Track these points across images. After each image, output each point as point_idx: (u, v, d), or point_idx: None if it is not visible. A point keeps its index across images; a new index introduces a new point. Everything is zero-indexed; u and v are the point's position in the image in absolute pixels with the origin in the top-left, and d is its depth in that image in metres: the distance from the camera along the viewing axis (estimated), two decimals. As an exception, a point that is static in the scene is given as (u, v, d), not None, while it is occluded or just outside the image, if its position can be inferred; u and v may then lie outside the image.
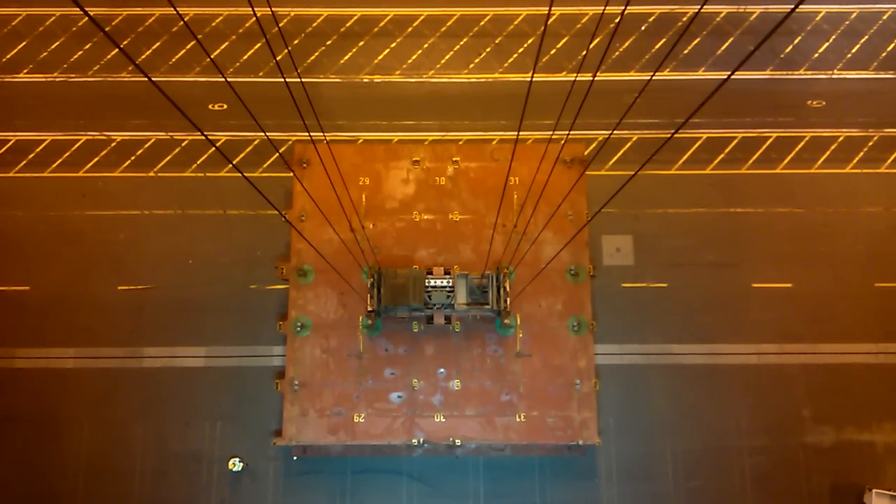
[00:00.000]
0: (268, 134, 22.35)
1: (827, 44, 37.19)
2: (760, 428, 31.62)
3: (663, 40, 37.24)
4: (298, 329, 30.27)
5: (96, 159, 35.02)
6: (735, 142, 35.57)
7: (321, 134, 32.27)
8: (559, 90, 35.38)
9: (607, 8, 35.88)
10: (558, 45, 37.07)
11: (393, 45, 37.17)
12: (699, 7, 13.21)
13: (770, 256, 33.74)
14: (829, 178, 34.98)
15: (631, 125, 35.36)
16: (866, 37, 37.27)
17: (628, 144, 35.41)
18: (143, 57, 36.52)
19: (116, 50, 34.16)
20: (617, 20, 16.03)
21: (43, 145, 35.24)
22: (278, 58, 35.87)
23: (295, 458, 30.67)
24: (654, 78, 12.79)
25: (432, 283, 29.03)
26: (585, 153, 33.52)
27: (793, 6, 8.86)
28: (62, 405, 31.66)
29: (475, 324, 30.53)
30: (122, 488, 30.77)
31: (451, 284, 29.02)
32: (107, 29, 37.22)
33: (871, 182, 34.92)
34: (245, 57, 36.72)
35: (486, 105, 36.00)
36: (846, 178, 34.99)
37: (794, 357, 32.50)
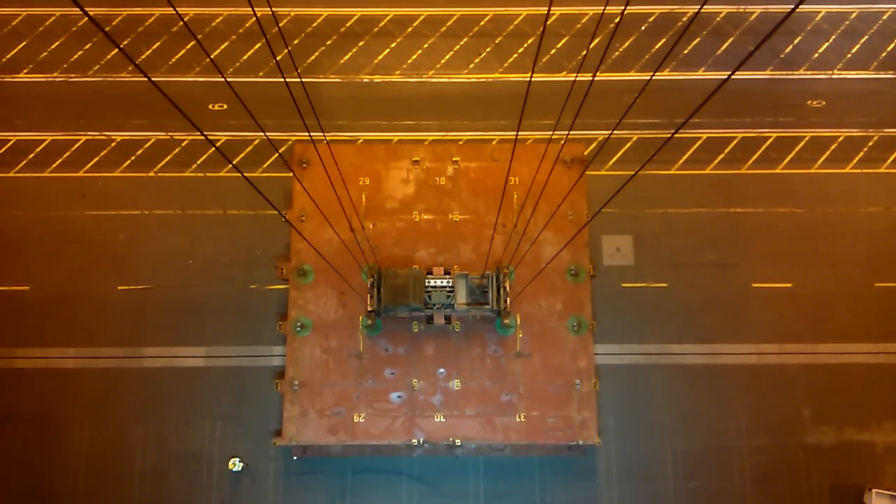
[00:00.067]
0: (268, 134, 22.40)
1: (827, 44, 37.19)
2: (760, 428, 31.61)
3: (663, 40, 37.24)
4: (298, 329, 30.27)
5: (96, 159, 35.01)
6: (735, 142, 35.57)
7: (321, 134, 32.27)
8: (559, 90, 35.38)
9: (607, 8, 35.89)
10: (558, 45, 37.06)
11: (393, 45, 37.17)
12: (699, 7, 13.22)
13: (770, 256, 33.74)
14: (829, 178, 34.98)
15: (631, 125, 35.36)
16: (866, 37, 37.27)
17: (628, 144, 35.41)
18: (143, 57, 36.52)
19: (116, 50, 34.16)
20: (617, 20, 16.03)
21: (43, 145, 35.24)
22: (278, 58, 35.87)
23: (295, 458, 30.67)
24: (654, 78, 12.79)
25: (432, 283, 29.04)
26: (585, 153, 33.52)
27: (793, 6, 8.86)
28: (62, 405, 31.66)
29: (475, 324, 30.53)
30: (122, 488, 30.77)
31: (451, 284, 29.02)
32: (107, 29, 37.22)
33: (871, 182, 34.92)
34: (245, 57, 36.72)
35: (486, 105, 36.00)
36: (846, 178, 34.99)
37: (794, 357, 32.50)
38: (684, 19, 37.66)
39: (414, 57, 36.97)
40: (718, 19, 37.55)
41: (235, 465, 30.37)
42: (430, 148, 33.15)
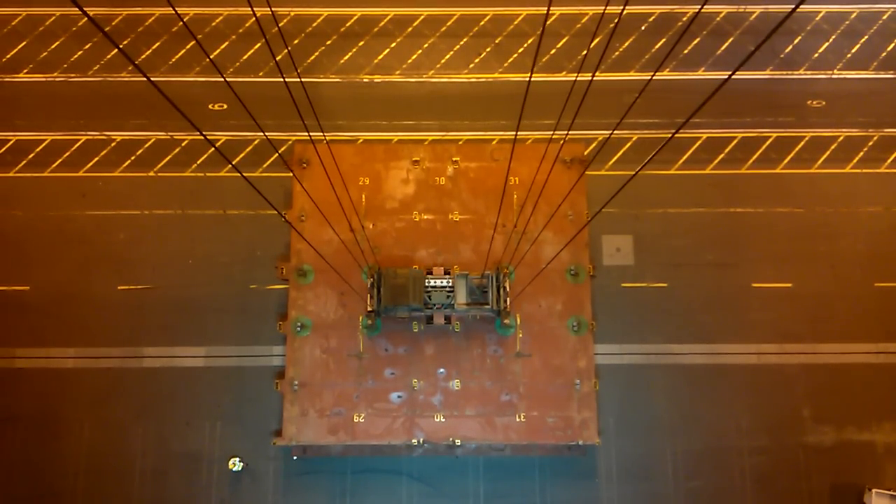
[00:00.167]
0: (267, 134, 22.41)
1: (827, 44, 37.19)
2: (760, 428, 31.61)
3: (663, 40, 37.24)
4: (298, 329, 30.27)
5: (96, 159, 35.01)
6: (735, 142, 35.57)
7: (321, 134, 32.26)
8: (559, 90, 35.39)
9: (607, 8, 35.89)
10: (558, 45, 37.06)
11: (393, 45, 37.17)
12: (699, 7, 13.21)
13: (770, 256, 33.74)
14: (829, 178, 34.98)
15: (631, 125, 35.36)
16: (866, 37, 37.27)
17: (628, 144, 35.40)
18: (143, 57, 36.52)
19: (116, 50, 34.18)
20: (617, 20, 16.02)
21: (43, 145, 35.23)
22: (278, 58, 35.87)
23: (295, 458, 30.67)
24: (654, 78, 12.78)
25: (432, 283, 29.03)
26: (585, 153, 33.52)
27: (793, 6, 8.85)
28: (62, 405, 31.66)
29: (475, 324, 30.52)
30: (122, 488, 30.77)
31: (450, 284, 29.02)
32: (107, 29, 37.21)
33: (871, 182, 34.92)
34: (245, 57, 36.72)
35: (486, 105, 36.00)
36: (846, 178, 34.98)
37: (794, 357, 32.50)
38: (684, 19, 37.66)
39: (414, 57, 36.97)
40: (718, 19, 37.55)
41: (235, 465, 30.37)
42: (430, 148, 33.15)
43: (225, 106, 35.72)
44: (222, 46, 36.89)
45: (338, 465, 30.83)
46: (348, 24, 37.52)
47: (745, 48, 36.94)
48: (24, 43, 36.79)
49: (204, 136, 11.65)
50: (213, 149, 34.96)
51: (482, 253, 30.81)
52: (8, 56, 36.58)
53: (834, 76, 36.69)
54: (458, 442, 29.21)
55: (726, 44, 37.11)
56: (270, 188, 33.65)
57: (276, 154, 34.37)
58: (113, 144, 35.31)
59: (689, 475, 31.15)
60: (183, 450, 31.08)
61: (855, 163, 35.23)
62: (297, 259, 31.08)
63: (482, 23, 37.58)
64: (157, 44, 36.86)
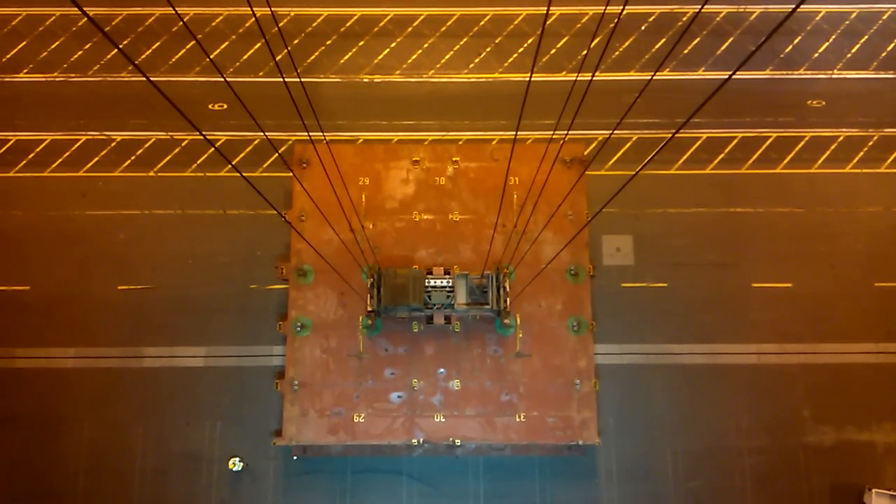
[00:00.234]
0: (267, 134, 22.42)
1: (827, 44, 37.19)
2: (760, 428, 31.61)
3: (663, 40, 37.24)
4: (298, 329, 30.27)
5: (96, 159, 35.01)
6: (735, 142, 35.57)
7: (321, 134, 32.26)
8: (559, 90, 35.39)
9: (607, 8, 35.89)
10: (558, 45, 37.06)
11: (393, 45, 37.17)
12: (699, 7, 13.21)
13: (770, 256, 33.74)
14: (829, 178, 34.98)
15: (631, 125, 35.36)
16: (866, 37, 37.27)
17: (628, 144, 35.40)
18: (143, 57, 36.52)
19: (116, 50, 34.19)
20: (617, 20, 16.02)
21: (43, 145, 35.24)
22: (278, 58, 35.87)
23: (295, 458, 30.67)
24: (654, 78, 12.79)
25: (432, 283, 29.03)
26: (585, 153, 33.52)
27: (793, 6, 8.85)
28: (62, 405, 31.66)
29: (475, 324, 30.52)
30: (122, 488, 30.77)
31: (450, 284, 29.02)
32: (106, 29, 37.21)
33: (871, 182, 34.92)
34: (245, 57, 36.72)
35: (486, 105, 36.00)
36: (846, 178, 34.99)
37: (794, 357, 32.50)
38: (684, 19, 37.66)
39: (414, 57, 36.97)
40: (718, 19, 37.55)
41: (235, 465, 30.38)
42: (430, 148, 33.15)
43: (225, 106, 35.72)
44: (222, 46, 36.89)
45: (338, 465, 30.83)
46: (348, 24, 37.52)
47: (745, 48, 36.94)
48: (24, 43, 36.80)
49: (204, 136, 11.66)
50: (213, 149, 34.97)
51: (482, 253, 30.81)
52: (8, 56, 36.58)
53: (834, 76, 36.69)
54: (458, 442, 29.21)
55: (726, 44, 37.12)
56: (270, 188, 33.65)
57: (276, 154, 34.37)
58: (113, 144, 35.31)
59: (689, 475, 31.15)
60: (183, 450, 31.08)
61: (855, 163, 35.23)
62: (297, 259, 31.08)
63: (482, 23, 37.59)
64: (157, 44, 36.86)
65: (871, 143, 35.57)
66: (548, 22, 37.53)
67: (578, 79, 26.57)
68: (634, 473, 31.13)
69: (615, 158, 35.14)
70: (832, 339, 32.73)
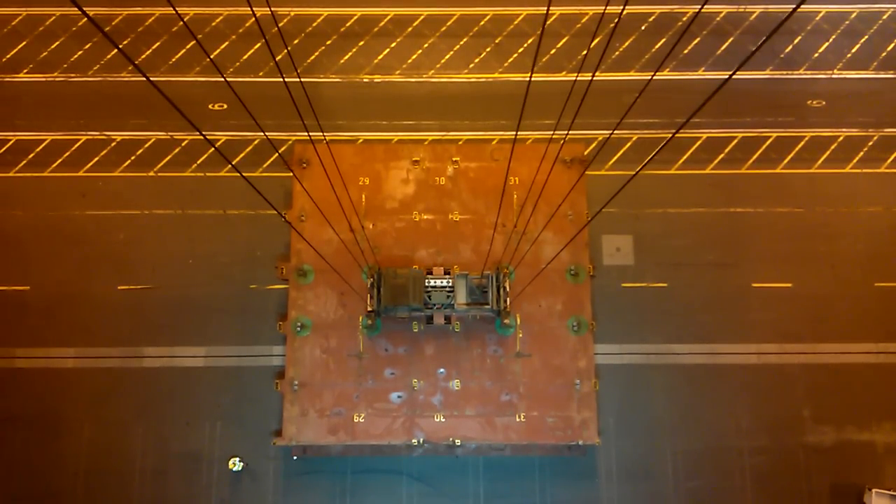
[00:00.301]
0: (267, 134, 22.44)
1: (827, 44, 37.19)
2: (760, 428, 31.61)
3: (663, 40, 37.24)
4: (298, 329, 30.28)
5: (96, 159, 35.01)
6: (735, 142, 35.57)
7: (321, 134, 32.26)
8: (559, 90, 35.39)
9: (607, 8, 35.88)
10: (558, 45, 37.06)
11: (393, 45, 37.17)
12: (699, 7, 13.21)
13: (770, 256, 33.74)
14: (829, 178, 34.98)
15: (631, 125, 35.36)
16: (866, 37, 37.27)
17: (628, 144, 35.40)
18: (143, 57, 36.52)
19: (116, 50, 34.20)
20: (617, 20, 16.03)
21: (43, 145, 35.24)
22: (278, 58, 35.86)
23: (295, 458, 30.67)
24: (654, 78, 12.79)
25: (432, 283, 29.03)
26: (585, 153, 33.53)
27: (793, 6, 8.86)
28: (62, 405, 31.66)
29: (475, 324, 30.53)
30: (122, 488, 30.78)
31: (450, 284, 29.02)
32: (106, 29, 37.21)
33: (871, 182, 34.92)
34: (245, 57, 36.72)
35: (486, 105, 35.99)
36: (846, 178, 34.99)
37: (794, 357, 32.50)
38: (684, 19, 37.66)
39: (414, 57, 36.97)
40: (718, 19, 37.55)
41: (235, 465, 30.38)
42: (430, 148, 33.15)
43: (225, 106, 35.72)
44: (222, 46, 36.89)
45: (338, 465, 30.83)
46: (348, 24, 37.52)
47: (745, 48, 36.94)
48: (24, 43, 36.79)
49: (204, 136, 11.66)
50: (213, 149, 34.97)
51: (482, 253, 30.81)
52: (8, 56, 36.58)
53: (834, 76, 36.69)
54: (458, 442, 29.21)
55: (726, 44, 37.12)
56: (270, 188, 33.65)
57: (276, 154, 34.37)
58: (113, 144, 35.31)
59: (689, 475, 31.15)
60: (183, 450, 31.08)
61: (855, 163, 35.23)
62: (297, 259, 31.08)
63: (482, 23, 37.59)
64: (157, 44, 36.86)
65: (871, 143, 35.57)
66: (548, 22, 37.54)
67: (578, 79, 26.58)
68: (634, 473, 31.13)
69: (615, 158, 35.14)
70: (832, 339, 32.74)
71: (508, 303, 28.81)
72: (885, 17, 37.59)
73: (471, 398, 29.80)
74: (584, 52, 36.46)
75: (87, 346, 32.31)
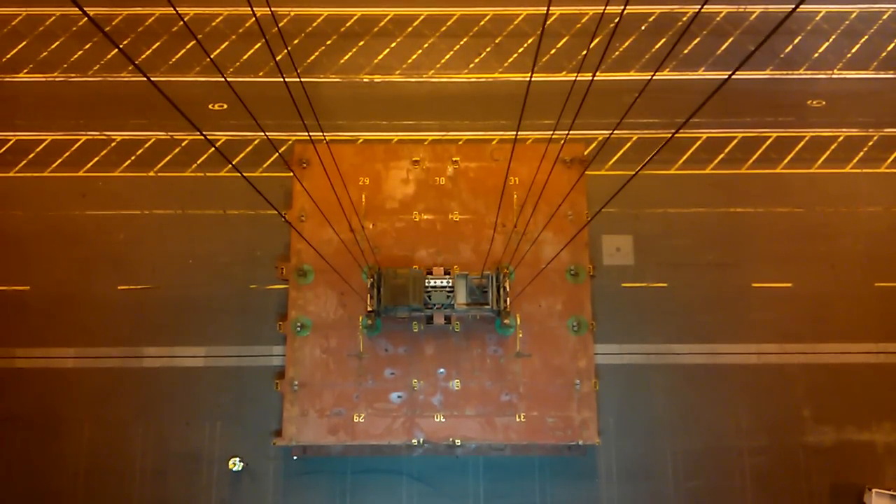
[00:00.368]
0: (268, 134, 22.43)
1: (827, 44, 37.19)
2: (760, 428, 31.61)
3: (663, 40, 37.24)
4: (298, 329, 30.28)
5: (96, 159, 35.02)
6: (735, 142, 35.57)
7: (321, 134, 32.26)
8: (559, 90, 35.38)
9: (607, 8, 35.88)
10: (558, 45, 37.06)
11: (393, 45, 37.17)
12: (699, 7, 13.21)
13: (770, 256, 33.74)
14: (829, 178, 34.98)
15: (631, 125, 35.36)
16: (866, 37, 37.27)
17: (628, 144, 35.41)
18: (143, 57, 36.52)
19: (116, 50, 34.19)
20: (617, 20, 16.02)
21: (43, 145, 35.24)
22: (278, 58, 35.87)
23: (295, 458, 30.67)
24: (654, 78, 12.79)
25: (432, 283, 29.03)
26: (585, 153, 33.53)
27: (793, 6, 8.85)
28: (62, 405, 31.66)
29: (475, 324, 30.53)
30: (122, 488, 30.77)
31: (450, 284, 29.02)
32: (107, 29, 37.22)
33: (871, 182, 34.92)
34: (245, 57, 36.72)
35: (486, 105, 35.99)
36: (846, 178, 34.99)
37: (794, 357, 32.50)
38: (684, 19, 37.66)
39: (414, 57, 36.97)
40: (718, 19, 37.55)
41: (235, 465, 30.38)
42: (430, 148, 33.15)
43: (225, 106, 35.73)
44: (222, 46, 36.89)
45: (338, 465, 30.83)
46: (348, 24, 37.52)
47: (745, 48, 36.95)
48: (24, 43, 36.80)
49: (204, 136, 11.66)
50: (213, 149, 34.97)
51: (482, 253, 30.81)
52: (8, 56, 36.58)
53: (834, 76, 36.69)
54: (458, 442, 29.21)
55: (726, 44, 37.12)
56: (270, 188, 33.65)
57: (277, 154, 34.38)
58: (113, 144, 35.31)
59: (689, 475, 31.15)
60: (183, 450, 31.08)
61: (855, 163, 35.24)
62: (297, 259, 31.08)
63: (482, 23, 37.59)
64: (157, 44, 36.86)
65: (871, 143, 35.57)
66: (548, 22, 37.54)
67: (578, 79, 26.56)
68: (634, 473, 31.13)
69: (615, 158, 35.14)
70: (832, 339, 32.74)
71: (508, 303, 28.81)
72: (885, 17, 37.59)
73: (471, 398, 29.80)
74: (584, 52, 36.46)
75: (87, 346, 32.31)
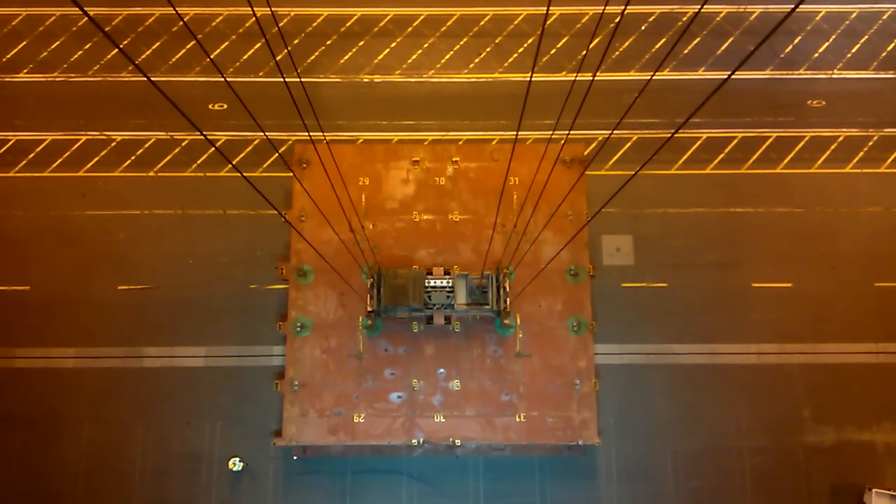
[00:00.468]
0: (268, 134, 22.47)
1: (827, 44, 37.19)
2: (760, 428, 31.61)
3: (663, 40, 37.24)
4: (298, 329, 30.27)
5: (96, 159, 35.02)
6: (735, 142, 35.58)
7: (321, 134, 32.27)
8: (559, 90, 35.38)
9: (607, 8, 35.89)
10: (558, 45, 37.06)
11: (393, 45, 37.17)
12: (699, 7, 13.22)
13: (770, 256, 33.74)
14: (829, 178, 34.98)
15: (631, 125, 35.36)
16: (866, 37, 37.27)
17: (628, 144, 35.41)
18: (143, 57, 36.52)
19: (116, 50, 34.18)
20: (617, 20, 16.03)
21: (43, 145, 35.24)
22: (278, 58, 35.86)
23: (295, 458, 30.67)
24: (654, 78, 12.79)
25: (432, 283, 29.03)
26: (585, 153, 33.53)
27: (793, 6, 8.86)
28: (62, 405, 31.66)
29: (475, 324, 30.52)
30: (122, 488, 30.77)
31: (450, 285, 29.02)
32: (107, 29, 37.22)
33: (871, 182, 34.92)
34: (245, 57, 36.72)
35: (486, 105, 36.00)
36: (846, 177, 34.99)
37: (794, 357, 32.50)
38: (684, 19, 37.66)
39: (414, 57, 36.97)
40: (718, 19, 37.55)
41: (235, 465, 30.38)
42: (429, 148, 33.15)
43: (225, 106, 35.73)
44: (222, 46, 36.90)
45: (338, 465, 30.83)
46: (348, 24, 37.53)
47: (745, 48, 36.95)
48: (24, 43, 36.80)
49: (204, 136, 11.66)
50: (213, 149, 34.97)
51: (482, 253, 30.81)
52: (8, 56, 36.58)
53: (834, 76, 36.69)
54: (458, 442, 29.21)
55: (726, 44, 37.12)
56: (270, 188, 33.65)
57: (277, 154, 34.38)
58: (113, 144, 35.31)
59: (689, 475, 31.15)
60: (183, 450, 31.08)
61: (855, 163, 35.24)
62: (297, 259, 31.08)
63: (482, 23, 37.59)
64: (157, 44, 36.86)
65: (871, 143, 35.57)
66: (548, 22, 37.55)
67: (578, 79, 26.57)
68: (634, 473, 31.13)
69: (615, 158, 35.14)
70: (832, 339, 32.74)
71: (508, 303, 28.81)
72: (885, 17, 37.60)
73: (471, 398, 29.80)
74: (584, 52, 36.46)
75: (87, 346, 32.31)
